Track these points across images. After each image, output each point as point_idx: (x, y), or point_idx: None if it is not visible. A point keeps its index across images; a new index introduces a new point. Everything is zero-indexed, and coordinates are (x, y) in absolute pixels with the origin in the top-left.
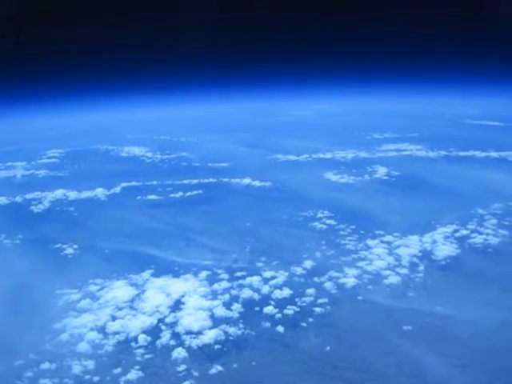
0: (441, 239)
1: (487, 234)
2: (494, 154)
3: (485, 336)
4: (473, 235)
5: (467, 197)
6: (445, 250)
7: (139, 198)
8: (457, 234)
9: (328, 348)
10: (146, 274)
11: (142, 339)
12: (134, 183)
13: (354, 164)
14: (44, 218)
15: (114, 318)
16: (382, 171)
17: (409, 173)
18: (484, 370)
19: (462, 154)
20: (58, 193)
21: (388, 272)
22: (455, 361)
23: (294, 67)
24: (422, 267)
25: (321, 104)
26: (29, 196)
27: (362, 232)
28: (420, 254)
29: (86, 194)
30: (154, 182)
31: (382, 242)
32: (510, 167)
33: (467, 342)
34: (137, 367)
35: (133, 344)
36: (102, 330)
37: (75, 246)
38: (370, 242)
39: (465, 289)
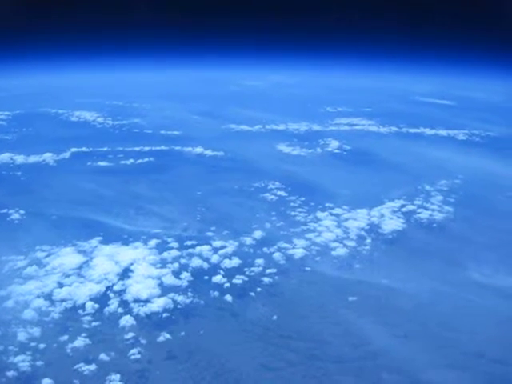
0: (388, 213)
1: (433, 210)
2: (442, 132)
3: (426, 308)
4: (419, 210)
5: (415, 173)
6: (392, 224)
7: (89, 164)
8: (404, 209)
9: (275, 317)
10: (95, 241)
11: (90, 307)
12: (84, 149)
13: (307, 136)
14: None
15: (61, 285)
16: (333, 145)
17: (360, 147)
18: (424, 339)
19: (412, 130)
20: (5, 156)
21: (336, 244)
22: (397, 331)
23: (248, 37)
24: (369, 240)
25: (274, 75)
26: None
27: (311, 204)
28: (367, 228)
29: (33, 159)
30: (105, 149)
31: (331, 214)
32: (458, 145)
33: (410, 314)
34: (84, 334)
35: (80, 311)
36: (48, 297)
37: (22, 212)
38: (319, 214)
39: (409, 262)
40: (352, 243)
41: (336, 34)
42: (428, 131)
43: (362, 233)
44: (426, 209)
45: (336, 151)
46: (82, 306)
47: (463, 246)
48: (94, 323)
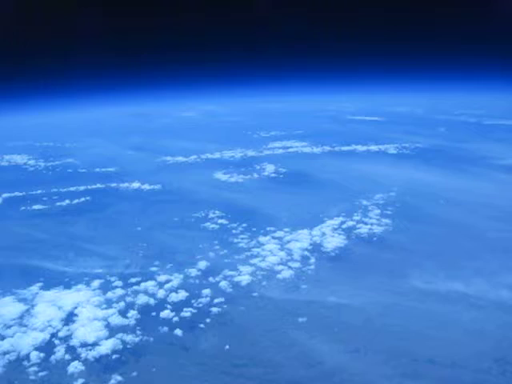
0: (329, 231)
1: (372, 224)
2: (374, 148)
3: (375, 320)
4: (358, 226)
5: (351, 189)
6: (333, 241)
7: (23, 208)
8: (344, 226)
9: (227, 347)
10: (35, 288)
11: (35, 356)
12: (16, 193)
13: (243, 163)
14: None
15: (2, 338)
16: (270, 169)
17: (296, 169)
18: (376, 352)
19: (344, 148)
20: None
21: (281, 267)
22: (349, 347)
23: (176, 69)
24: (313, 260)
25: (206, 105)
26: None
27: (253, 229)
28: (310, 247)
29: None
30: (39, 191)
31: (273, 238)
32: (390, 159)
33: (359, 328)
34: None
35: (25, 362)
36: None
37: None
38: (261, 239)
39: (354, 277)
40: (297, 264)
41: (264, 61)
42: (360, 148)
43: (306, 253)
44: (365, 223)
45: (272, 175)
46: (27, 357)
47: (404, 256)
48: (40, 373)
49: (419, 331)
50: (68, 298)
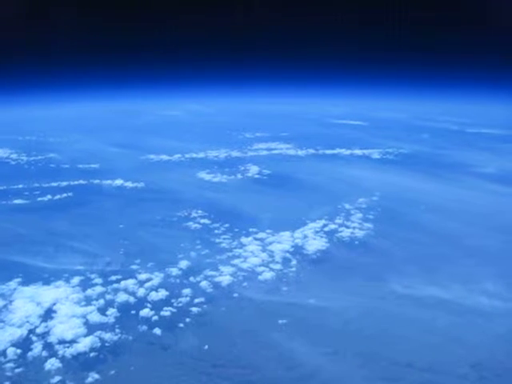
0: (311, 234)
1: (354, 228)
2: (358, 152)
3: (354, 324)
4: (340, 229)
5: (335, 193)
6: (315, 244)
7: (3, 202)
8: (326, 229)
9: (206, 347)
10: (14, 283)
11: (12, 352)
12: None
13: (227, 163)
14: None
15: None
16: (253, 170)
17: (280, 171)
18: (355, 354)
19: (328, 152)
20: None
21: (262, 268)
22: (328, 349)
23: (161, 67)
24: (294, 262)
25: (191, 104)
26: None
27: (235, 230)
28: (292, 250)
29: None
30: (20, 186)
31: (255, 239)
32: (373, 164)
33: (338, 331)
34: (7, 383)
35: (1, 359)
36: None
37: None
38: (243, 240)
39: (335, 280)
40: (278, 266)
41: (249, 62)
42: (344, 152)
43: (287, 255)
44: (347, 227)
45: (256, 176)
46: (3, 353)
47: (384, 261)
48: (17, 370)
49: (398, 335)
50: (47, 294)
